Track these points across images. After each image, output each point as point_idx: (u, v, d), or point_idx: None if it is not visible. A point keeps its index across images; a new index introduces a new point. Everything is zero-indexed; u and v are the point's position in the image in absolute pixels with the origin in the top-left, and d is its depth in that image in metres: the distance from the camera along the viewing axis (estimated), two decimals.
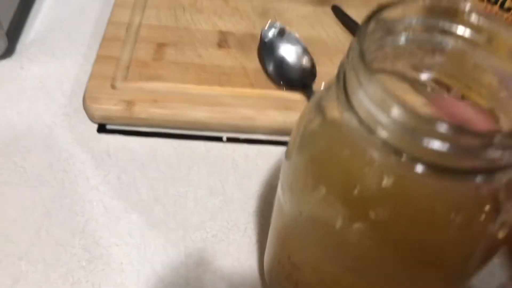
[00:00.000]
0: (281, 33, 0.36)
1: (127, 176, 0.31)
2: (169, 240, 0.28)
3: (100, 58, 0.35)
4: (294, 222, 0.18)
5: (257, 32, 0.37)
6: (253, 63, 0.36)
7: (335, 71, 0.15)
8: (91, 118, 0.33)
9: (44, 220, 0.29)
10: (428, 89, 0.17)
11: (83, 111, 0.34)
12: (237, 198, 0.30)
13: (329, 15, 0.40)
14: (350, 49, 0.14)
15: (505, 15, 0.15)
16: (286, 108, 0.33)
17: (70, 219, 0.29)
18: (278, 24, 0.37)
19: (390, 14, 0.15)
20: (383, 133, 0.13)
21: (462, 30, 0.16)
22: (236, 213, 0.30)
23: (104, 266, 0.27)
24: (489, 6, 0.28)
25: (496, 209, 0.15)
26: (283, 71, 0.35)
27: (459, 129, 0.12)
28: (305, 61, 0.35)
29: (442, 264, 0.15)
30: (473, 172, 0.13)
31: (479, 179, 0.13)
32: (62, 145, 0.32)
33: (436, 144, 0.12)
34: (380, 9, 0.15)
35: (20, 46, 0.38)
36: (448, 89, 0.17)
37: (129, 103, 0.32)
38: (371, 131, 0.14)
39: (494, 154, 0.12)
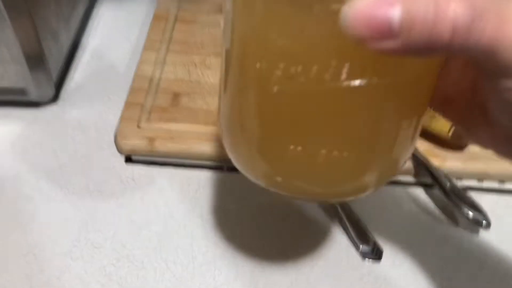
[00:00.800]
0: None
1: (148, 197, 0.39)
2: (180, 245, 0.36)
3: (128, 104, 0.44)
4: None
5: None
6: None
7: None
8: (120, 151, 0.42)
9: (83, 228, 0.37)
10: None
11: (114, 146, 0.42)
12: (233, 216, 0.38)
13: None
14: None
15: None
16: None
17: (103, 228, 0.37)
18: None
19: None
20: None
21: None
22: (232, 228, 0.38)
23: (129, 263, 0.35)
24: None
25: None
26: None
27: None
28: None
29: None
30: None
31: None
32: (97, 172, 0.41)
33: None
34: None
35: (63, 93, 0.47)
36: None
37: (151, 140, 0.41)
38: None
39: None
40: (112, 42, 0.53)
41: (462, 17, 0.15)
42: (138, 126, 0.42)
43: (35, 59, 0.42)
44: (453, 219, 0.38)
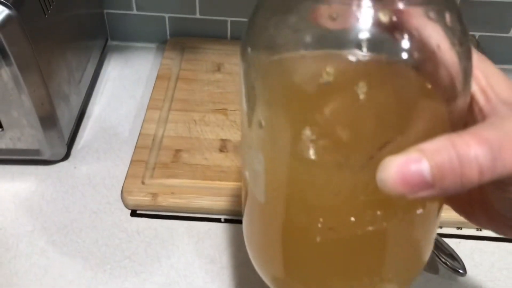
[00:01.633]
0: None
1: (151, 249, 0.43)
2: None
3: (133, 162, 0.48)
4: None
5: None
6: None
7: None
8: (126, 206, 0.46)
9: (92, 280, 0.40)
10: None
11: (120, 201, 0.46)
12: (231, 266, 0.42)
13: None
14: None
15: None
16: None
17: (110, 280, 0.40)
18: None
19: None
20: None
21: None
22: (230, 277, 0.41)
23: None
24: None
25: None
26: None
27: None
28: None
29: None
30: None
31: None
32: (105, 226, 0.44)
33: None
34: None
35: (74, 151, 0.52)
36: None
37: (154, 195, 0.45)
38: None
39: None
40: (118, 100, 0.58)
41: (484, 158, 0.17)
42: (143, 182, 0.46)
43: (48, 123, 0.46)
44: (433, 267, 0.41)
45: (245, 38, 0.21)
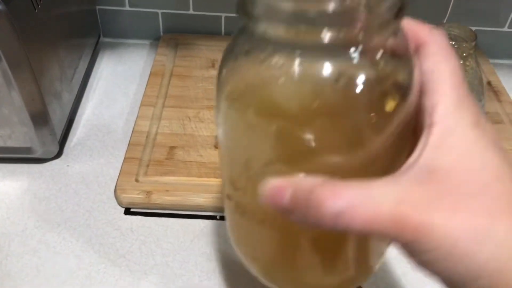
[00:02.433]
0: None
1: (146, 247, 0.42)
2: None
3: (127, 159, 0.47)
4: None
5: None
6: None
7: None
8: (120, 204, 0.45)
9: (86, 280, 0.39)
10: None
11: (114, 199, 0.45)
12: (226, 263, 0.41)
13: None
14: None
15: None
16: None
17: (105, 280, 0.39)
18: None
19: None
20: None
21: None
22: (226, 275, 0.40)
23: None
24: None
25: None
26: None
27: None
28: None
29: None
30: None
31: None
32: (98, 224, 0.44)
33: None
34: None
35: (66, 149, 0.51)
36: None
37: (148, 193, 0.44)
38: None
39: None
40: (111, 98, 0.57)
41: (335, 208, 0.18)
42: (136, 180, 0.45)
43: (40, 121, 0.45)
44: None
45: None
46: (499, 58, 0.66)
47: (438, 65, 0.21)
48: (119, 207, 0.45)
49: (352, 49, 0.19)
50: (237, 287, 0.40)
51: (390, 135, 0.20)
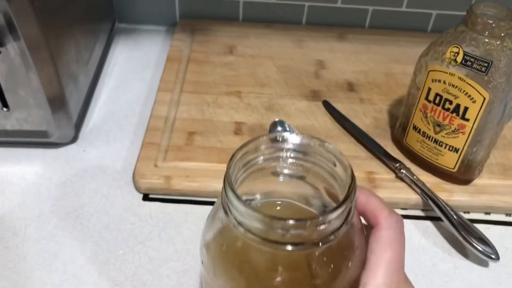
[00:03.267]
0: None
1: (165, 234, 0.41)
2: (198, 282, 0.37)
3: (145, 144, 0.46)
4: None
5: (265, 122, 0.49)
6: None
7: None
8: (138, 190, 0.44)
9: (104, 266, 0.38)
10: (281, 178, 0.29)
11: (132, 184, 0.44)
12: None
13: (320, 108, 0.51)
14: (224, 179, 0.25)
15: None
16: None
17: (124, 266, 0.38)
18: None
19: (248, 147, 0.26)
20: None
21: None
22: None
23: None
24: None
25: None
26: None
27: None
28: None
29: None
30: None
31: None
32: (116, 210, 0.42)
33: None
34: (240, 147, 0.26)
35: (82, 134, 0.50)
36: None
37: (167, 178, 0.43)
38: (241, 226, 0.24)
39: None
40: (126, 83, 0.56)
41: None
42: (155, 165, 0.44)
43: (57, 103, 0.44)
44: (462, 252, 0.39)
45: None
46: None
47: (382, 250, 0.25)
48: (137, 193, 0.44)
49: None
50: None
51: None
